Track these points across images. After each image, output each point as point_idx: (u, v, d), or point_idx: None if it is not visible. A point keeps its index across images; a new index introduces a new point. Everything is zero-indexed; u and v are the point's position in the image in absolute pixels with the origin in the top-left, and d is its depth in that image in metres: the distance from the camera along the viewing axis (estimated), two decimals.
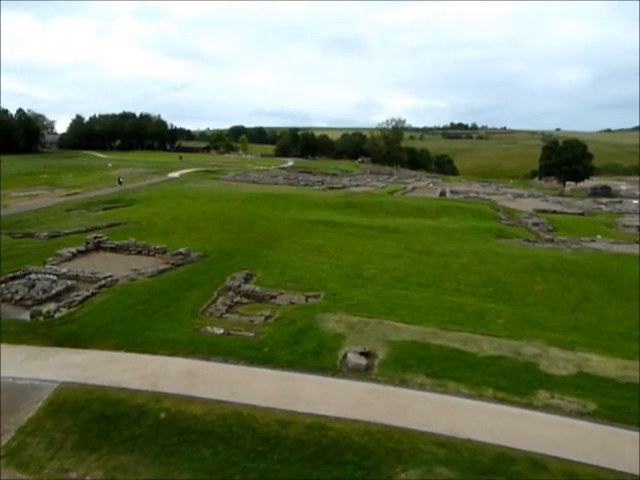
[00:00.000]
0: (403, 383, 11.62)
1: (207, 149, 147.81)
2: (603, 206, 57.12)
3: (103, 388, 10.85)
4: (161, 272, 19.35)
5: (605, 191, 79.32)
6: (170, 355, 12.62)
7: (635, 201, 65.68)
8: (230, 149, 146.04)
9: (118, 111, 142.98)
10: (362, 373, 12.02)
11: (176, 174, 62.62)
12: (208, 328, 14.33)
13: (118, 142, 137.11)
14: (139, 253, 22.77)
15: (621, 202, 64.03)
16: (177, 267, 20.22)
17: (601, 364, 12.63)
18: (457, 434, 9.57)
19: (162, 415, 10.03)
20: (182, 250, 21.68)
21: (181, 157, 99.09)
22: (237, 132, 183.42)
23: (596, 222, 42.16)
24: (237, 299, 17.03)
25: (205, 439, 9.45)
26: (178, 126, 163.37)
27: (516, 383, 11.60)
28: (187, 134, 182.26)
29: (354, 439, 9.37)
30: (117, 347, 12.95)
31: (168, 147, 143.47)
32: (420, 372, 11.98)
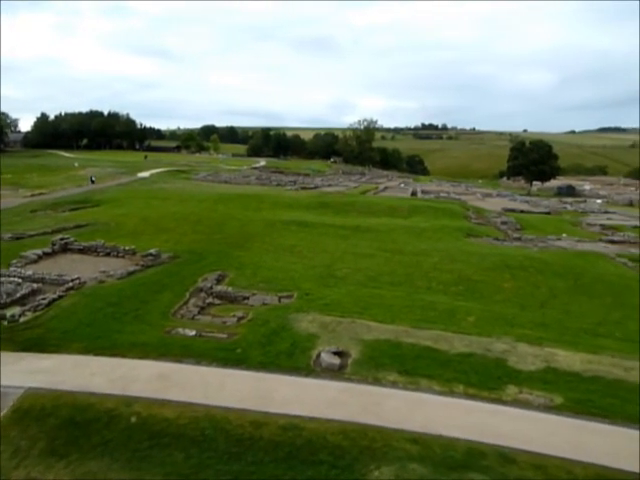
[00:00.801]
0: (376, 381, 11.71)
1: (178, 148, 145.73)
2: (568, 205, 58.78)
3: (71, 393, 10.58)
4: (131, 274, 18.99)
5: (570, 191, 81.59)
6: (141, 358, 12.40)
7: (598, 200, 67.85)
8: (201, 149, 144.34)
9: (85, 109, 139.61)
10: (336, 372, 12.07)
11: (146, 174, 61.54)
12: (180, 330, 14.14)
13: (85, 141, 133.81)
14: (108, 255, 22.28)
15: (585, 201, 66.03)
16: (147, 268, 19.87)
17: (567, 359, 13.00)
18: (429, 430, 9.71)
19: (133, 419, 9.85)
20: (152, 251, 21.32)
21: (146, 156, 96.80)
22: (208, 131, 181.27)
23: (562, 221, 43.37)
24: (209, 300, 16.86)
25: (177, 442, 9.32)
26: (148, 125, 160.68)
27: (486, 379, 11.83)
28: (157, 133, 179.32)
29: (328, 438, 9.40)
30: (85, 351, 12.65)
31: (137, 146, 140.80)
32: (393, 370, 12.09)
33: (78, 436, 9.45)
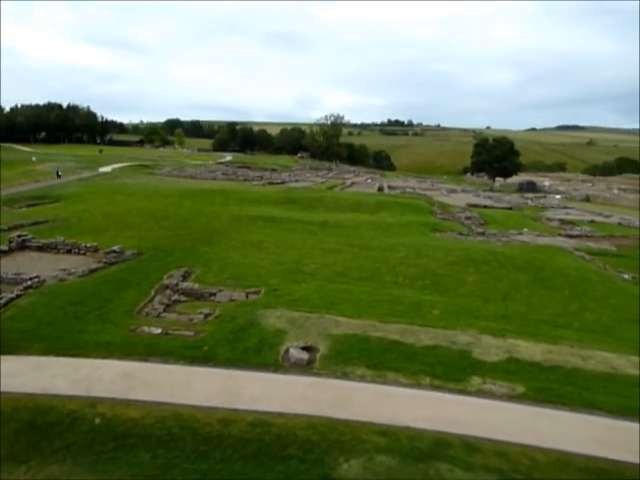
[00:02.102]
0: (344, 376, 11.80)
1: (141, 143, 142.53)
2: (529, 201, 60.50)
3: (31, 396, 10.22)
4: (93, 271, 18.48)
5: (531, 187, 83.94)
6: (104, 358, 12.10)
7: (557, 196, 70.12)
8: (165, 143, 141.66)
9: (43, 101, 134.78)
10: (304, 368, 12.09)
11: (108, 169, 59.95)
12: (145, 328, 13.86)
13: (43, 134, 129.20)
14: (68, 252, 21.61)
15: (545, 197, 68.12)
16: (110, 266, 19.38)
17: (528, 349, 13.41)
18: (397, 422, 9.85)
19: (97, 421, 9.61)
20: (115, 248, 20.79)
21: (101, 150, 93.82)
22: (173, 125, 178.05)
23: (523, 216, 44.60)
24: (175, 297, 16.59)
25: (143, 443, 9.15)
26: (109, 118, 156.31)
27: (451, 371, 12.08)
28: (119, 127, 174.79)
29: (297, 433, 9.41)
30: (46, 352, 12.24)
31: (99, 140, 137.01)
32: (361, 364, 12.20)
33: (39, 440, 9.16)
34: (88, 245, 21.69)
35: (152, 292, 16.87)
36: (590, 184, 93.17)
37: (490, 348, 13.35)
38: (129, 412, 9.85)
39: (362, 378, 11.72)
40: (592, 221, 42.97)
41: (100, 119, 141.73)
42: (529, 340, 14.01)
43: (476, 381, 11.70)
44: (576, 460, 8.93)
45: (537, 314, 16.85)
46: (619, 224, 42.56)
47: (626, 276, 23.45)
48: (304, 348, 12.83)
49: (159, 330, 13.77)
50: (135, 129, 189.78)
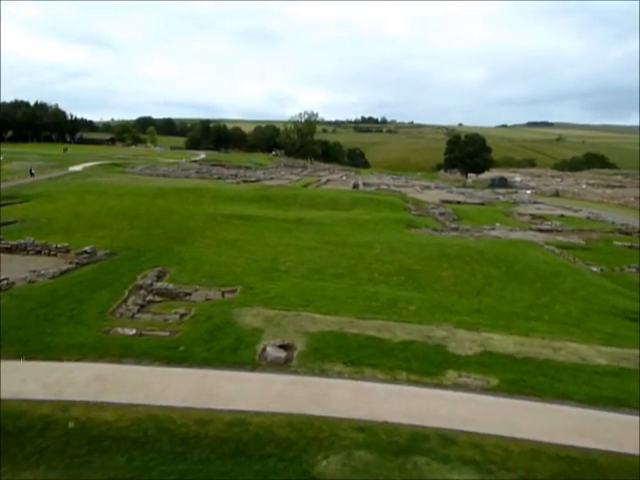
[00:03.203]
0: (322, 373, 11.82)
1: (112, 141, 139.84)
2: (501, 196, 61.65)
3: (1, 401, 9.93)
4: (64, 272, 18.06)
5: (502, 182, 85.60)
6: (77, 360, 11.84)
7: (528, 191, 71.61)
8: (137, 141, 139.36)
9: (9, 99, 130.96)
10: (281, 366, 12.06)
11: (78, 167, 58.64)
12: (119, 329, 13.62)
13: (10, 133, 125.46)
14: (38, 253, 21.07)
15: (516, 192, 69.51)
16: (82, 267, 18.97)
17: (501, 342, 13.67)
18: (374, 418, 9.92)
19: (70, 424, 9.40)
20: (87, 248, 20.36)
21: (66, 149, 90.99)
22: (144, 123, 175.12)
23: (495, 211, 45.43)
24: (150, 298, 16.35)
25: (119, 446, 9.00)
26: (79, 116, 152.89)
27: (427, 365, 12.23)
28: (89, 125, 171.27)
29: (275, 432, 9.40)
30: (16, 355, 11.90)
31: (68, 139, 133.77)
32: (338, 361, 12.25)
33: (9, 446, 8.91)
34: (59, 246, 21.18)
35: (126, 292, 16.58)
36: (559, 179, 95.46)
37: (465, 342, 13.56)
38: (103, 415, 9.67)
39: (339, 375, 11.76)
40: (561, 215, 44.11)
41: (69, 117, 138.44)
42: (502, 333, 14.28)
43: (451, 375, 11.87)
44: (548, 449, 9.15)
45: (510, 307, 17.19)
46: (587, 218, 43.79)
47: (594, 269, 24.14)
48: (281, 346, 12.80)
49: (133, 331, 13.55)
50: (106, 127, 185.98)
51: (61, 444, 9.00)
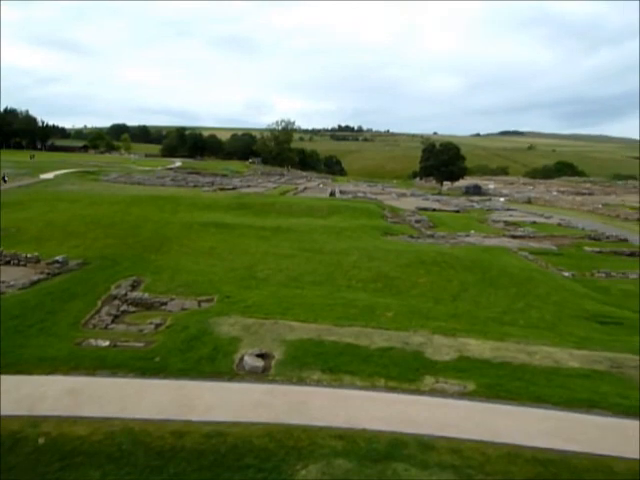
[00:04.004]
0: (301, 381, 11.75)
1: (85, 148, 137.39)
2: (475, 204, 62.62)
3: None
4: (34, 283, 17.60)
5: (476, 190, 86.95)
6: (49, 374, 11.51)
7: (501, 199, 72.95)
8: (111, 148, 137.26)
9: None
10: (259, 375, 11.96)
11: (50, 175, 57.37)
12: (92, 341, 13.31)
13: None
14: (7, 263, 20.47)
15: (490, 200, 70.71)
16: (53, 277, 18.52)
17: (478, 347, 13.83)
18: (354, 425, 9.90)
19: (41, 440, 9.11)
20: (59, 258, 19.90)
21: (32, 156, 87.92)
22: (118, 130, 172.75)
23: (470, 218, 46.11)
24: (124, 308, 16.05)
25: (92, 461, 8.76)
26: (51, 123, 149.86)
27: (405, 371, 12.28)
28: (62, 132, 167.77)
29: (254, 442, 9.29)
30: None
31: (39, 146, 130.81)
32: (316, 368, 12.20)
33: None
34: (29, 255, 20.62)
35: (99, 303, 16.24)
36: (531, 187, 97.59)
37: (442, 347, 13.67)
38: (76, 429, 9.41)
39: (318, 383, 11.71)
40: (534, 222, 45.01)
41: (41, 123, 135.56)
42: (478, 338, 14.45)
43: (429, 380, 11.94)
44: (525, 452, 9.26)
45: (485, 313, 17.43)
46: (559, 224, 44.80)
47: (566, 274, 24.68)
48: (259, 355, 12.69)
49: (107, 342, 13.26)
50: (78, 134, 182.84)
51: (31, 461, 8.71)
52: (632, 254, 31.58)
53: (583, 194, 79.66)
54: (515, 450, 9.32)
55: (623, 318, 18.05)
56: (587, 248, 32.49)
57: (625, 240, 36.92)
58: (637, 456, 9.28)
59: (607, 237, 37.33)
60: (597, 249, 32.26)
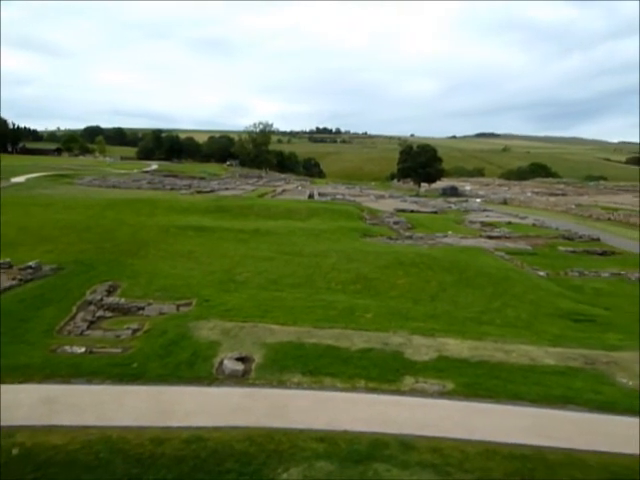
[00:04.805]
0: (281, 384, 11.72)
1: (58, 151, 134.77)
2: (452, 205, 63.42)
3: None
4: (6, 290, 17.14)
5: (453, 191, 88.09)
6: (22, 382, 11.23)
7: (478, 200, 74.04)
8: (86, 151, 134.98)
9: None
10: (239, 379, 11.88)
11: (21, 179, 56.13)
12: (67, 348, 13.03)
13: None
14: None
15: (467, 201, 71.68)
16: (26, 283, 18.07)
17: (456, 347, 14.00)
18: (335, 427, 9.91)
19: (14, 451, 8.88)
20: (32, 264, 19.44)
21: None
22: (93, 133, 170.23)
23: (447, 219, 46.67)
24: (100, 313, 15.76)
25: (68, 471, 8.57)
26: (22, 125, 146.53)
27: (385, 372, 12.35)
28: (33, 134, 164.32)
29: (235, 446, 9.22)
30: None
31: (10, 149, 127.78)
32: (296, 371, 12.18)
33: None
34: (0, 261, 20.10)
35: (74, 309, 15.92)
36: (507, 188, 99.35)
37: (421, 348, 13.79)
38: (51, 439, 9.20)
39: (299, 385, 11.70)
40: (510, 222, 45.78)
41: (12, 126, 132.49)
42: (457, 338, 14.62)
43: (409, 381, 12.03)
44: (503, 449, 9.40)
45: (463, 312, 17.64)
46: (533, 225, 45.66)
47: (541, 273, 25.17)
48: (239, 359, 12.61)
49: (82, 349, 13.01)
50: (51, 136, 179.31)
51: (4, 474, 8.47)
52: (604, 253, 32.43)
53: (556, 195, 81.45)
54: (493, 447, 9.45)
55: (595, 315, 18.50)
56: (561, 248, 33.19)
57: (597, 239, 37.84)
58: (610, 449, 9.53)
59: (580, 237, 38.19)
60: (570, 249, 32.99)
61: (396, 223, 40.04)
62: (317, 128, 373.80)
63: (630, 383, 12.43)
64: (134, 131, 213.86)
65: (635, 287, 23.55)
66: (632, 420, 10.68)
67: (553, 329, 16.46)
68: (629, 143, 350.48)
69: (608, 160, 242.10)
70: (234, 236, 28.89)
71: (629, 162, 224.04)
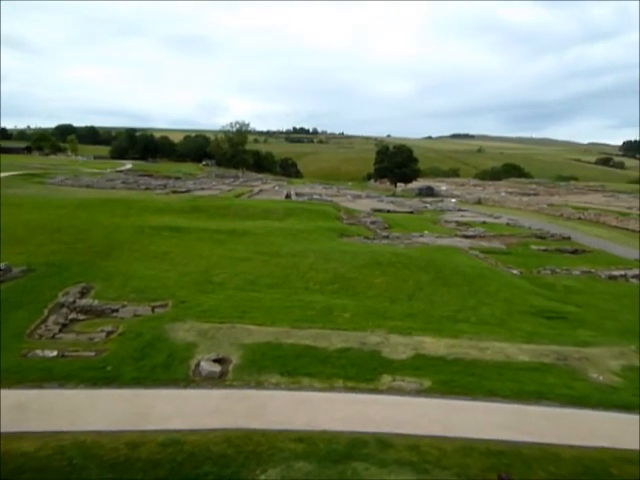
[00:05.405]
0: (259, 385, 11.67)
1: (28, 150, 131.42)
2: (428, 205, 64.10)
3: None
4: None
5: (429, 191, 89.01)
6: None
7: (453, 200, 75.01)
8: (57, 150, 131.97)
9: None
10: (217, 380, 11.78)
11: None
12: (38, 352, 12.71)
13: None
14: None
15: (442, 201, 72.54)
16: None
17: (433, 345, 14.15)
18: (313, 427, 9.91)
19: None
20: (1, 265, 18.89)
21: None
22: (65, 131, 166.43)
23: (423, 219, 47.15)
24: (72, 316, 15.42)
25: (40, 478, 8.36)
26: None
27: (363, 371, 12.41)
28: (2, 133, 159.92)
29: (212, 449, 9.13)
30: None
31: None
32: (275, 372, 12.14)
33: None
34: None
35: (45, 312, 15.54)
36: (481, 188, 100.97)
37: (398, 346, 13.90)
38: (22, 446, 8.96)
39: (277, 386, 11.66)
40: (484, 222, 46.52)
41: None
42: (433, 336, 14.78)
43: (386, 379, 12.12)
44: (479, 445, 9.55)
45: (439, 311, 17.85)
46: (507, 224, 46.50)
47: (515, 271, 25.65)
48: (216, 360, 12.51)
49: (55, 353, 12.70)
50: (21, 135, 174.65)
51: None
52: (575, 252, 33.26)
53: (529, 195, 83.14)
54: (469, 444, 9.59)
55: (567, 313, 18.95)
56: (534, 246, 33.89)
57: (568, 238, 38.79)
58: (582, 443, 9.77)
59: (552, 236, 39.07)
60: (543, 247, 33.72)
61: (373, 223, 40.26)
62: (294, 128, 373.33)
63: (601, 378, 12.79)
64: (107, 130, 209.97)
65: (605, 284, 24.25)
66: (603, 414, 10.99)
67: (526, 326, 16.79)
68: (598, 144, 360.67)
69: (578, 161, 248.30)
70: (210, 237, 28.62)
71: (598, 163, 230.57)
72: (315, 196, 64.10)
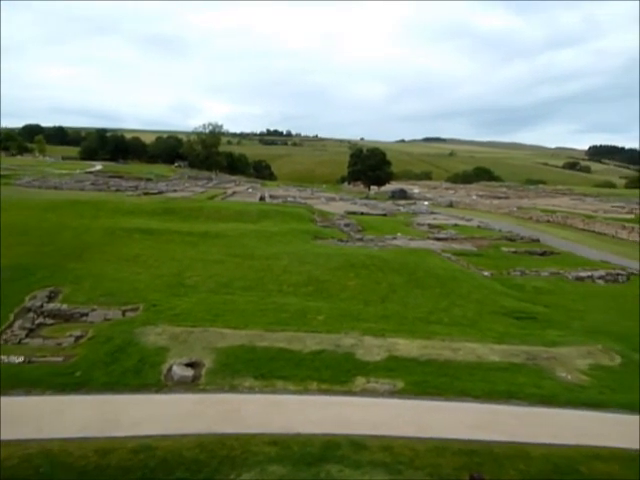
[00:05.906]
0: (233, 389, 11.57)
1: None
2: (401, 207, 64.76)
3: None
4: None
5: (402, 194, 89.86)
6: None
7: (425, 203, 75.97)
8: (24, 150, 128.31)
9: None
10: (189, 385, 11.63)
11: None
12: (4, 357, 12.32)
13: None
14: None
15: (415, 204, 73.40)
16: None
17: (406, 346, 14.28)
18: (287, 430, 9.88)
19: None
20: None
21: None
22: (32, 131, 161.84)
23: (396, 222, 47.62)
24: (40, 321, 15.01)
25: None
26: None
27: (337, 373, 12.44)
28: None
29: (185, 454, 9.00)
30: None
31: None
32: (248, 375, 12.06)
33: None
34: None
35: (11, 316, 15.08)
36: (453, 191, 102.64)
37: (372, 348, 13.98)
38: None
39: (251, 389, 11.58)
40: (456, 224, 47.29)
41: None
42: (406, 338, 14.92)
43: (360, 381, 12.17)
44: (452, 445, 9.67)
45: (412, 313, 18.03)
46: (478, 227, 47.33)
47: (486, 273, 26.13)
48: (188, 364, 12.34)
49: (21, 358, 12.34)
50: None
51: None
52: (544, 253, 34.08)
53: (499, 198, 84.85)
54: (442, 444, 9.71)
55: (536, 313, 19.41)
56: (504, 249, 34.58)
57: (537, 240, 39.72)
58: (551, 441, 10.00)
59: (521, 238, 39.95)
60: (513, 249, 34.46)
61: (347, 225, 40.44)
62: (268, 130, 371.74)
63: (569, 377, 13.12)
64: (76, 130, 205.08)
65: (572, 285, 24.93)
66: (572, 412, 11.28)
67: (497, 327, 17.11)
68: (566, 149, 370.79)
69: (546, 165, 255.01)
70: (183, 239, 28.27)
71: (565, 167, 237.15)
72: (289, 198, 64.00)
